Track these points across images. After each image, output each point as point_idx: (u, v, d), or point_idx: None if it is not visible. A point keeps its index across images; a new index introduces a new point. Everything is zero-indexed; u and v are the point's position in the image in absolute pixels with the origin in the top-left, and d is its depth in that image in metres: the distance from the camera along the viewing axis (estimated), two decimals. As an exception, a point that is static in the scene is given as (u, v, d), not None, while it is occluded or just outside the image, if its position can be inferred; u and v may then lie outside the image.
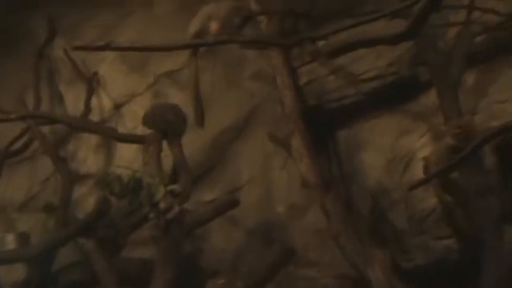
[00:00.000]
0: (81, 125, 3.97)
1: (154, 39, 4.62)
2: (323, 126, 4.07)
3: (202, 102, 3.92)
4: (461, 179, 3.15)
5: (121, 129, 4.48)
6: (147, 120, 3.75)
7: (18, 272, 4.18)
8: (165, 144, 3.86)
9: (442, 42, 3.55)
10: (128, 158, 4.53)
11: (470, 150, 2.69)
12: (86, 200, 4.60)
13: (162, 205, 3.15)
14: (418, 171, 3.39)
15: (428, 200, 3.44)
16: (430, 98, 3.59)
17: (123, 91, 4.74)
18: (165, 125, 3.68)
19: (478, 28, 3.45)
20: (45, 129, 4.63)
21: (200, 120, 3.87)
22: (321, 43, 3.61)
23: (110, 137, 4.16)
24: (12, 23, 5.03)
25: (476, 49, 3.45)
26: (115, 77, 4.77)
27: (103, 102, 4.79)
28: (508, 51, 3.47)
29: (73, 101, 4.81)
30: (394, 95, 3.79)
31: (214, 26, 3.58)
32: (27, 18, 5.07)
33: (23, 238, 4.24)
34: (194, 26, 3.61)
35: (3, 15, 4.97)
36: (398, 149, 3.73)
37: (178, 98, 4.42)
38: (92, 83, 4.68)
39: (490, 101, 3.47)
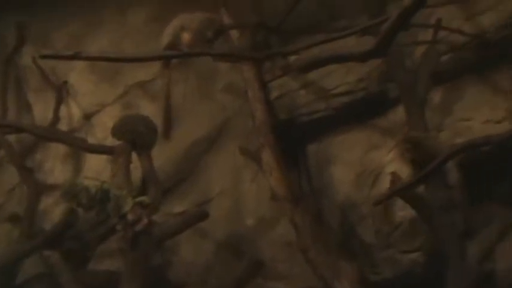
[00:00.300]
0: (49, 134, 3.91)
1: (126, 49, 4.62)
2: (293, 140, 4.11)
3: (171, 114, 3.91)
4: (427, 194, 3.21)
5: (91, 140, 4.43)
6: (115, 132, 3.72)
7: (-19, 283, 4.07)
8: (135, 155, 3.84)
9: (409, 61, 3.64)
10: (96, 169, 4.48)
11: (435, 166, 2.75)
12: (53, 211, 4.51)
13: (130, 217, 3.12)
14: (386, 186, 3.42)
15: (395, 214, 3.49)
16: (398, 114, 3.66)
17: (93, 101, 4.69)
18: (135, 136, 3.66)
19: (444, 47, 3.54)
20: (12, 138, 4.55)
21: (167, 132, 3.85)
22: (293, 58, 3.67)
23: (78, 147, 4.10)
24: (-21, 28, 4.95)
25: (442, 68, 3.54)
26: (85, 87, 4.73)
27: (72, 111, 4.74)
28: (473, 70, 3.56)
29: (41, 110, 4.74)
30: (363, 110, 3.85)
31: (186, 37, 3.58)
32: (-4, 25, 4.99)
33: (-13, 249, 4.14)
34: (167, 37, 3.60)
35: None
36: (367, 164, 3.78)
37: (149, 109, 4.41)
38: (61, 92, 4.63)
39: (455, 118, 3.56)
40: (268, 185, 3.83)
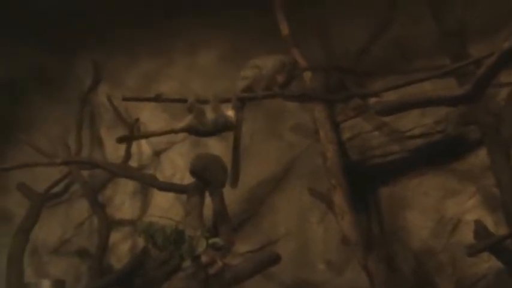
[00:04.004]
0: (123, 172, 3.95)
1: (196, 88, 4.68)
2: (365, 182, 4.00)
3: (240, 162, 3.82)
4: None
5: (159, 176, 4.46)
6: (194, 170, 3.67)
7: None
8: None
9: (493, 103, 3.49)
10: (163, 206, 4.50)
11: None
12: (120, 246, 4.55)
13: (203, 259, 3.07)
14: (466, 234, 3.27)
15: (479, 265, 3.30)
16: (478, 158, 3.51)
17: (163, 138, 4.73)
18: (211, 175, 3.62)
19: (529, 90, 3.39)
20: (84, 173, 4.65)
21: (235, 180, 3.74)
22: (372, 100, 3.60)
23: (150, 185, 4.12)
24: (58, 65, 5.14)
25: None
26: (156, 124, 4.79)
27: (142, 148, 4.81)
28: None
29: (113, 146, 4.83)
30: (440, 153, 3.72)
31: (262, 80, 3.52)
32: (72, 61, 5.18)
33: (59, 285, 4.18)
34: (243, 80, 3.58)
35: (50, 60, 5.09)
36: (444, 210, 3.63)
37: (217, 147, 4.42)
38: (133, 129, 4.71)
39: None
40: (337, 227, 3.72)
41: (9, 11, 4.80)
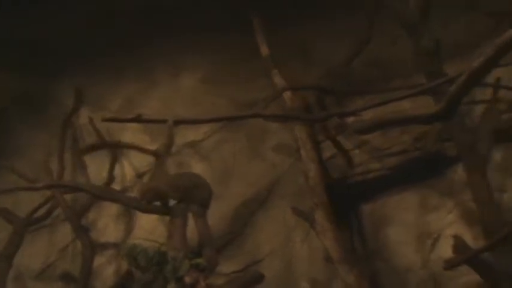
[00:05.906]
0: (106, 194, 3.93)
1: (178, 110, 4.72)
2: (346, 200, 4.04)
3: None
4: (493, 260, 3.07)
5: (142, 199, 4.46)
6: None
7: None
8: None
9: (468, 119, 3.56)
10: (147, 228, 4.49)
11: (507, 233, 2.63)
12: (105, 270, 4.52)
13: (187, 279, 3.08)
14: (446, 249, 3.30)
15: (458, 279, 3.34)
16: (457, 174, 3.57)
17: (146, 160, 4.75)
18: (187, 195, 3.60)
19: (504, 106, 3.48)
20: (67, 196, 4.63)
21: None
22: (351, 119, 3.66)
23: (134, 207, 4.11)
24: (39, 91, 5.15)
25: (503, 126, 3.46)
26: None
27: (125, 170, 4.81)
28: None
29: (95, 169, 4.83)
30: (419, 170, 3.78)
31: None
32: (53, 86, 5.19)
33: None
34: None
35: (32, 86, 5.10)
36: (425, 225, 3.68)
37: (200, 168, 4.44)
38: (116, 152, 4.71)
39: (519, 179, 3.45)
40: (321, 245, 3.74)
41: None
